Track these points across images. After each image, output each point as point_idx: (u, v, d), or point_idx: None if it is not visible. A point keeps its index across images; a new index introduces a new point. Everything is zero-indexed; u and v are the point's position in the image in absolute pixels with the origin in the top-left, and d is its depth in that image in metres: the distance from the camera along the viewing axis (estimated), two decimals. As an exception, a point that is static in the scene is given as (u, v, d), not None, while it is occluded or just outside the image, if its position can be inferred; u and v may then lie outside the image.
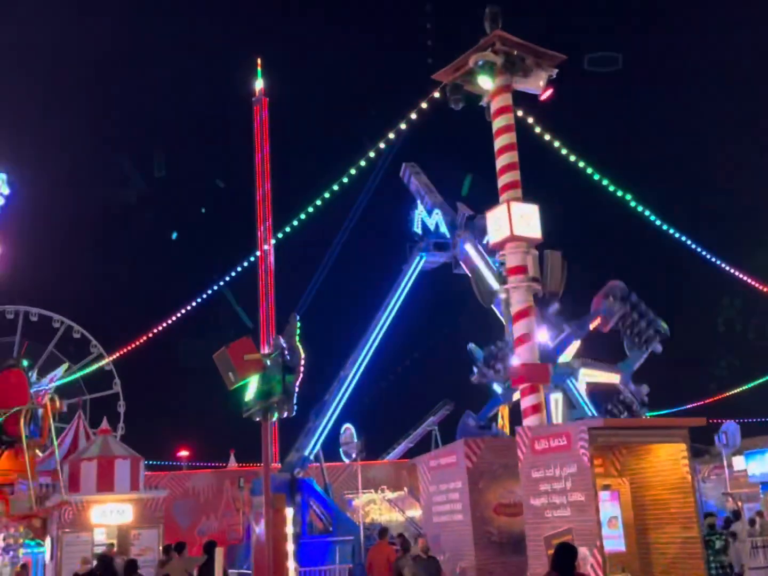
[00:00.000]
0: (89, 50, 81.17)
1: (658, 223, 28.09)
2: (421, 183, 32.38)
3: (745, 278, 32.93)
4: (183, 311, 33.09)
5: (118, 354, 39.47)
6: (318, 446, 28.07)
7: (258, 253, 35.10)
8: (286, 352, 10.12)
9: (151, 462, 36.50)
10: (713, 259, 30.74)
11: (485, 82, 16.07)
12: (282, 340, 10.43)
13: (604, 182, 25.15)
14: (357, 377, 29.51)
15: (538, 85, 16.30)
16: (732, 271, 31.97)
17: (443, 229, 34.08)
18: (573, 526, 10.66)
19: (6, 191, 18.10)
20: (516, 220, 15.64)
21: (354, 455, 29.40)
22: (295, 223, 27.90)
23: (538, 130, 22.00)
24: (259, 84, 47.02)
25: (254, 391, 10.50)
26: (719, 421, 30.80)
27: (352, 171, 24.81)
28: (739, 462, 29.59)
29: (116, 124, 77.33)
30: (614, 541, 11.55)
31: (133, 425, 45.96)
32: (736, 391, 49.14)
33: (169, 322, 33.47)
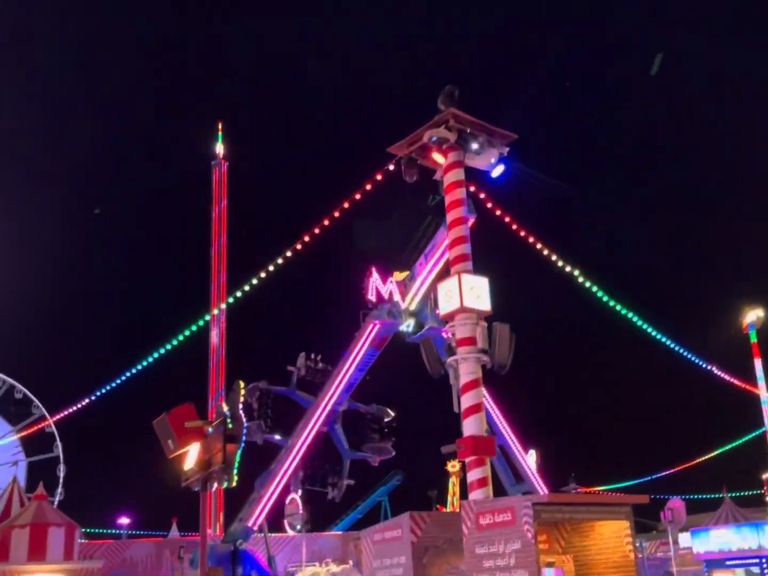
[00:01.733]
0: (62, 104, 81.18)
1: (605, 299, 28.63)
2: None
3: (693, 358, 33.68)
4: (129, 374, 32.33)
5: (60, 416, 38.24)
6: (262, 517, 27.35)
7: (208, 317, 34.74)
8: (229, 420, 9.91)
9: (88, 530, 35.18)
10: (660, 336, 31.32)
11: (438, 157, 16.47)
12: (225, 408, 10.23)
13: (553, 257, 25.66)
14: (305, 446, 29.01)
15: (490, 162, 16.75)
16: (678, 349, 32.63)
17: (397, 297, 34.16)
18: (516, 604, 10.49)
19: None
20: (466, 292, 15.85)
21: (299, 526, 28.78)
22: (247, 288, 27.75)
23: (489, 205, 22.50)
24: (219, 148, 47.53)
25: (193, 461, 10.24)
26: (666, 497, 30.88)
27: (306, 239, 24.92)
28: (685, 539, 29.41)
29: (60, 180, 76.61)
30: (558, 620, 11.39)
31: (73, 490, 44.39)
32: (683, 467, 49.56)
33: (113, 385, 32.66)
